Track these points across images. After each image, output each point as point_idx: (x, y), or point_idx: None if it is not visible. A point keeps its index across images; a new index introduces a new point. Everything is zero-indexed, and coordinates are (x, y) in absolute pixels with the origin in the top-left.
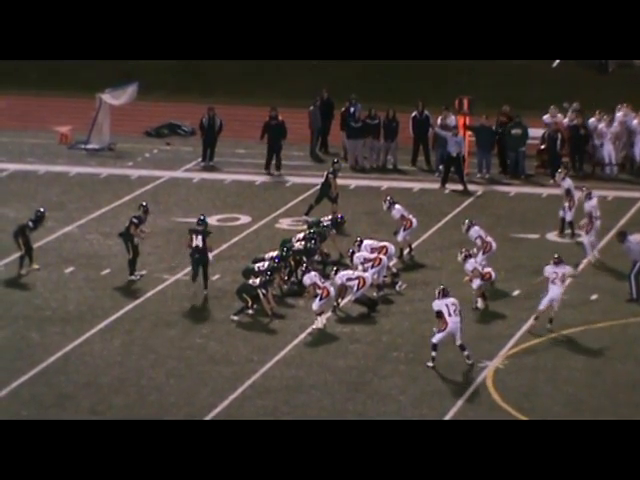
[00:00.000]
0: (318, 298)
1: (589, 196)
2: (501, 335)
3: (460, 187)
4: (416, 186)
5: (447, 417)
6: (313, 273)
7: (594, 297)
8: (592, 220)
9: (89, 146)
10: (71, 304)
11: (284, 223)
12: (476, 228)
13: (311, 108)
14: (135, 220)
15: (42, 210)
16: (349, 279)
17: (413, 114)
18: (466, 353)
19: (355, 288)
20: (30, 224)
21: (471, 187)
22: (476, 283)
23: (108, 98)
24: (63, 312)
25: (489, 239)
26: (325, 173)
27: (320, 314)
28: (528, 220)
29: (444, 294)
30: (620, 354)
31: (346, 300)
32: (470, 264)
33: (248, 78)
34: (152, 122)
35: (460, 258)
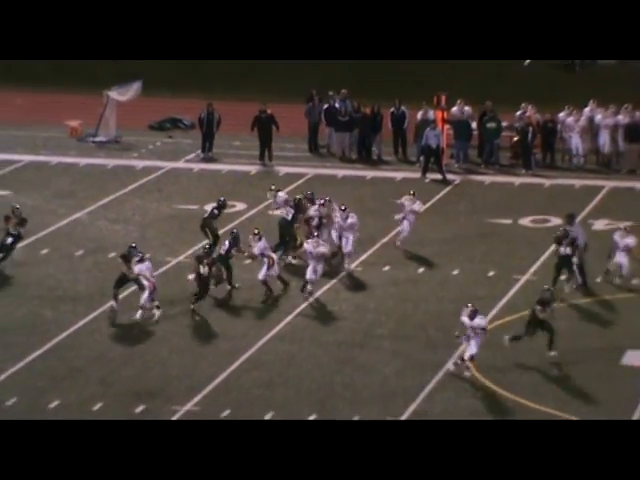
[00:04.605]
0: (265, 266)
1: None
2: None
3: (439, 176)
4: (399, 175)
5: (428, 389)
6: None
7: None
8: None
9: (97, 139)
10: (81, 285)
11: (277, 210)
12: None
13: (309, 105)
14: None
15: (222, 199)
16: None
17: (391, 110)
18: None
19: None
20: (215, 212)
21: (450, 176)
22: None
23: (115, 94)
24: (74, 292)
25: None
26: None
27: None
28: (502, 207)
29: None
30: (587, 330)
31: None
32: (257, 248)
33: (245, 76)
34: (155, 117)
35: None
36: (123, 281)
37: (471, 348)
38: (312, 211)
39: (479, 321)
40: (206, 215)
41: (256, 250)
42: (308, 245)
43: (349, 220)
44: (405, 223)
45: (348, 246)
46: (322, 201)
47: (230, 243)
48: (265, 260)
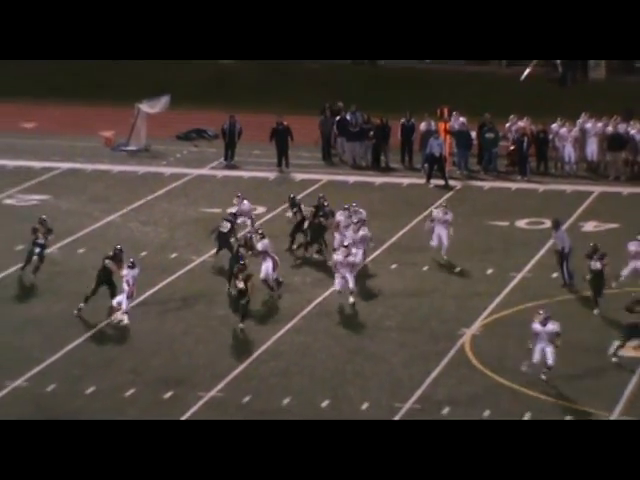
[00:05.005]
0: (271, 266)
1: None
2: (477, 307)
3: (442, 182)
4: (405, 181)
5: (432, 376)
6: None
7: (555, 275)
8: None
9: (129, 148)
10: None
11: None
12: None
13: (322, 118)
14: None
15: (235, 212)
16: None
17: (402, 121)
18: None
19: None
20: (235, 228)
21: (452, 182)
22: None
23: (145, 107)
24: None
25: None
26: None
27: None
28: (500, 210)
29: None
30: (577, 323)
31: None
32: (262, 244)
33: (263, 90)
34: (182, 127)
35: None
36: (105, 280)
37: (548, 358)
38: (339, 216)
39: (551, 326)
40: (226, 230)
41: (260, 246)
42: (338, 256)
43: (360, 232)
44: (443, 233)
45: (357, 257)
46: (347, 206)
47: (240, 244)
48: (269, 259)
